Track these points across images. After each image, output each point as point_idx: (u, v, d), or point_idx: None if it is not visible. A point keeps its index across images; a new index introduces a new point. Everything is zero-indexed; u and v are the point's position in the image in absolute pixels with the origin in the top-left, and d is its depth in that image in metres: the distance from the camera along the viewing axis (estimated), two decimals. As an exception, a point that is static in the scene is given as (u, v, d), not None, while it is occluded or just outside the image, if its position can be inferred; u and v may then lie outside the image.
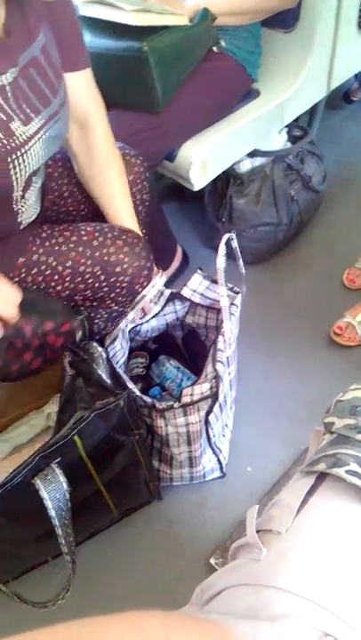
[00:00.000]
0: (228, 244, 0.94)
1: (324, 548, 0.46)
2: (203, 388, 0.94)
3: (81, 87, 0.91)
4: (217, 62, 1.22)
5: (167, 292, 1.09)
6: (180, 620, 0.37)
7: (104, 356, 0.97)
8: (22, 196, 0.88)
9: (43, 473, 0.80)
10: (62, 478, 0.81)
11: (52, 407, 1.13)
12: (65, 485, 0.81)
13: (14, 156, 0.78)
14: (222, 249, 0.93)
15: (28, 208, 0.93)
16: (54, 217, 1.09)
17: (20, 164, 0.80)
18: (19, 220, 0.91)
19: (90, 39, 1.10)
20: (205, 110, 1.28)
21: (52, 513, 0.79)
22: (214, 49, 1.20)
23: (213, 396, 0.95)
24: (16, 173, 0.80)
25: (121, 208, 1.02)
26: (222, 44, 1.20)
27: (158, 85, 1.07)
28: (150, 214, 1.19)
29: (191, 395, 0.94)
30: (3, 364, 0.85)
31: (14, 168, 0.79)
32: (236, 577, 0.49)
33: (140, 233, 1.03)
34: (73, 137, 0.97)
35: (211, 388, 0.95)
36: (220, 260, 0.93)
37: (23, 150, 0.79)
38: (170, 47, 1.05)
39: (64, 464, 0.82)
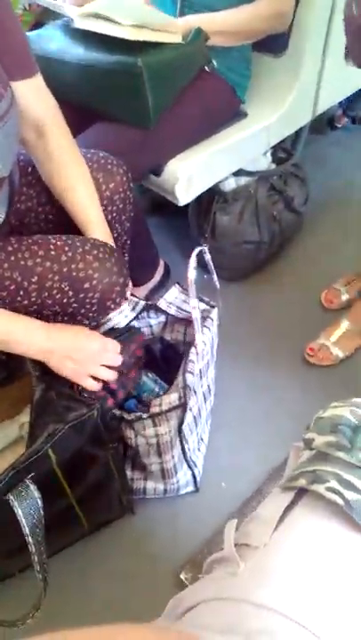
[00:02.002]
0: (202, 256, 0.95)
1: (301, 563, 0.46)
2: (171, 398, 0.94)
3: (30, 95, 0.88)
4: (208, 81, 1.24)
5: (142, 303, 1.08)
6: (161, 633, 0.36)
7: None
8: None
9: (17, 489, 0.78)
10: (37, 494, 0.79)
11: (27, 417, 1.11)
12: (39, 502, 0.79)
13: None
14: (193, 261, 0.94)
15: None
16: (35, 226, 1.07)
17: None
18: None
19: (82, 52, 1.11)
20: (194, 128, 1.30)
21: (26, 530, 0.77)
22: (206, 68, 1.22)
23: (183, 407, 0.95)
24: None
25: (88, 218, 0.98)
26: (214, 63, 1.22)
27: (150, 101, 1.09)
28: (133, 226, 1.20)
29: (160, 405, 0.94)
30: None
31: None
32: (211, 591, 0.49)
33: (112, 244, 1.00)
34: (30, 144, 0.95)
35: (179, 397, 0.94)
36: (191, 272, 0.93)
37: None
38: (163, 64, 1.07)
39: (37, 479, 0.81)
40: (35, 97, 0.90)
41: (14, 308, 0.93)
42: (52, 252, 0.91)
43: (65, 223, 1.03)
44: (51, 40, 1.16)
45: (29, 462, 0.79)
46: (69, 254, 0.92)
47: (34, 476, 0.80)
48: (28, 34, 1.18)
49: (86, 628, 0.33)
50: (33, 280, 0.90)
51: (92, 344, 0.89)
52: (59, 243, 0.93)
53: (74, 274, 0.92)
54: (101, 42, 1.06)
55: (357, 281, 1.54)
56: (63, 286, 0.92)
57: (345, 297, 1.52)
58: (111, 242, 1.01)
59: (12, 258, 0.90)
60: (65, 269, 0.91)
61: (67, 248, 0.92)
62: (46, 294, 0.91)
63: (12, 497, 0.76)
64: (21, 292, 0.90)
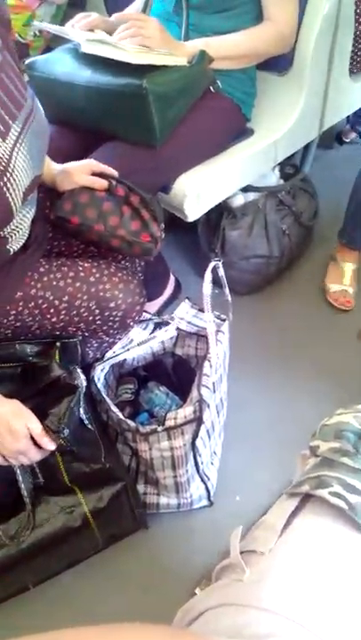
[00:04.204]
0: (215, 272, 0.97)
1: (306, 567, 0.47)
2: (186, 411, 0.95)
3: None
4: (213, 101, 1.27)
5: (152, 323, 1.11)
6: (182, 634, 0.37)
7: (84, 384, 0.98)
8: (16, 227, 0.87)
9: None
10: None
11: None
12: None
13: (5, 179, 0.76)
14: (208, 276, 0.96)
15: (19, 237, 0.92)
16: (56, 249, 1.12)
17: (11, 184, 0.78)
18: (7, 246, 0.90)
19: (90, 75, 1.14)
20: (201, 146, 1.33)
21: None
22: (211, 89, 1.25)
23: (197, 420, 0.96)
24: (11, 194, 0.78)
25: None
26: (218, 84, 1.25)
27: (157, 121, 1.11)
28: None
29: (175, 418, 0.95)
30: None
31: (7, 190, 0.77)
32: (217, 598, 0.50)
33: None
34: None
35: (194, 411, 0.95)
36: (206, 287, 0.95)
37: (10, 168, 0.76)
38: (169, 85, 1.09)
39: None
40: None
41: (42, 325, 0.99)
42: (82, 274, 0.99)
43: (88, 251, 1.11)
44: (59, 63, 1.19)
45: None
46: (97, 275, 1.00)
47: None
48: (37, 58, 1.22)
49: (118, 625, 0.33)
50: (64, 299, 0.97)
51: (15, 444, 0.82)
52: (86, 265, 1.00)
53: (101, 294, 0.99)
54: (108, 65, 1.09)
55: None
56: (90, 305, 0.99)
57: (351, 290, 1.59)
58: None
59: (45, 278, 0.96)
60: (93, 289, 0.98)
61: (94, 270, 1.00)
62: (74, 312, 0.98)
63: None
64: (52, 310, 0.97)
